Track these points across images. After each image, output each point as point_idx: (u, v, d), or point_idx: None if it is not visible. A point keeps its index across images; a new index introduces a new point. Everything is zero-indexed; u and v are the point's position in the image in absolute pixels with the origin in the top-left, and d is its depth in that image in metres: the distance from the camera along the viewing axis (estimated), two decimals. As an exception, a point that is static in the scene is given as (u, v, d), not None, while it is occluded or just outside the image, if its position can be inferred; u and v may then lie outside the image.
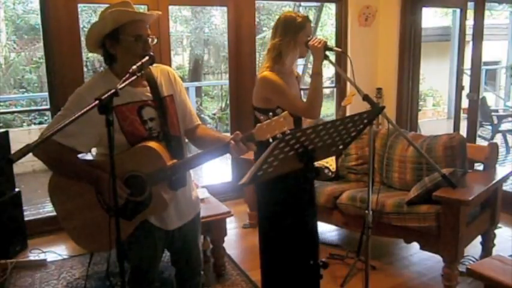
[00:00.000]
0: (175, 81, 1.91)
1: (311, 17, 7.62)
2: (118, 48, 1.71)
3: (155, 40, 1.76)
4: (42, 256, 3.47)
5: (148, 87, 1.80)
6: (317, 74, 2.19)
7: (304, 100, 2.29)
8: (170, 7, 4.35)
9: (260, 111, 2.23)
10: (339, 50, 2.29)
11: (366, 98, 1.99)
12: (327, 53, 2.18)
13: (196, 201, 2.04)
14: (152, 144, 1.72)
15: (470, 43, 4.32)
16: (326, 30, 10.94)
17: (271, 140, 1.55)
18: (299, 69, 7.07)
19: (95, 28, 1.72)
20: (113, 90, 1.41)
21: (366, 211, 2.26)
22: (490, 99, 9.33)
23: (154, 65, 1.84)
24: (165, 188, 1.76)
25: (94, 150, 1.84)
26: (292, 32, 2.22)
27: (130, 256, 1.86)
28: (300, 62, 7.21)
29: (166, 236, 1.90)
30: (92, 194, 1.74)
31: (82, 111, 1.38)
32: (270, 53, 2.28)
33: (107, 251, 1.67)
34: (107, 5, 1.73)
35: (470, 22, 4.46)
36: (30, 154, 1.25)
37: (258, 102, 2.26)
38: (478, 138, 5.08)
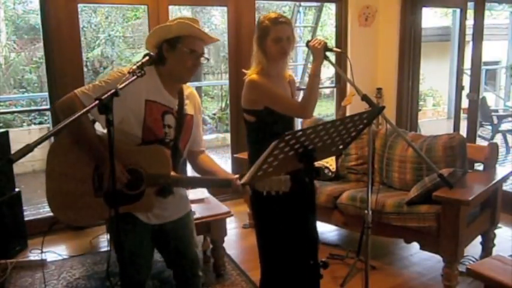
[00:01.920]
0: (198, 108, 2.06)
1: (310, 17, 7.59)
2: (172, 54, 1.82)
3: (206, 60, 1.90)
4: (42, 256, 3.46)
5: (177, 100, 1.92)
6: (315, 76, 2.18)
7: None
8: (170, 7, 4.35)
9: (248, 112, 2.26)
10: (339, 50, 2.29)
11: (364, 98, 1.98)
12: (327, 53, 2.18)
13: (184, 201, 2.06)
14: (167, 150, 1.82)
15: (470, 43, 4.33)
16: (326, 30, 10.94)
17: (265, 193, 1.71)
18: (299, 69, 7.05)
19: (160, 31, 1.84)
20: (113, 90, 1.43)
21: (366, 211, 2.26)
22: (490, 99, 9.34)
23: (187, 85, 1.99)
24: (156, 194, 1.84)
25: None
26: (259, 38, 2.20)
27: (115, 239, 1.81)
28: (300, 62, 7.19)
29: (153, 229, 1.93)
30: (89, 169, 1.79)
31: (85, 110, 1.42)
32: (254, 63, 2.26)
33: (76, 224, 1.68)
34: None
35: (470, 22, 4.46)
36: (30, 154, 1.26)
37: (245, 104, 2.28)
38: (478, 138, 5.08)
